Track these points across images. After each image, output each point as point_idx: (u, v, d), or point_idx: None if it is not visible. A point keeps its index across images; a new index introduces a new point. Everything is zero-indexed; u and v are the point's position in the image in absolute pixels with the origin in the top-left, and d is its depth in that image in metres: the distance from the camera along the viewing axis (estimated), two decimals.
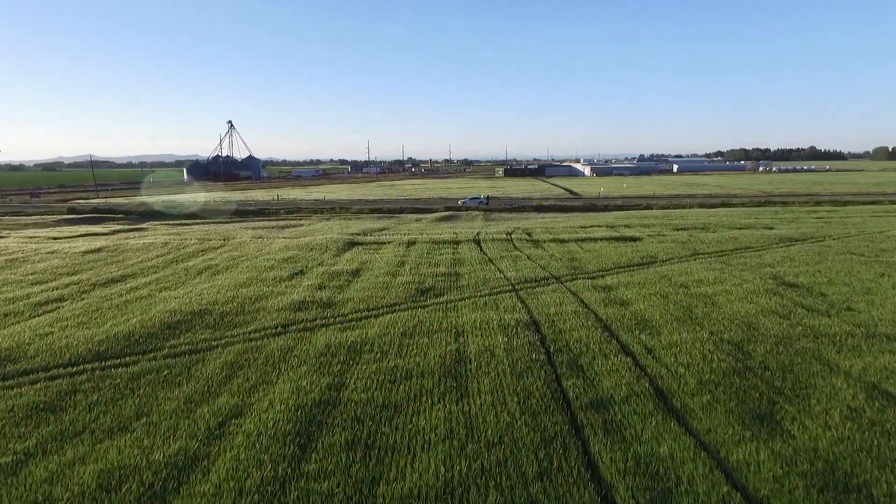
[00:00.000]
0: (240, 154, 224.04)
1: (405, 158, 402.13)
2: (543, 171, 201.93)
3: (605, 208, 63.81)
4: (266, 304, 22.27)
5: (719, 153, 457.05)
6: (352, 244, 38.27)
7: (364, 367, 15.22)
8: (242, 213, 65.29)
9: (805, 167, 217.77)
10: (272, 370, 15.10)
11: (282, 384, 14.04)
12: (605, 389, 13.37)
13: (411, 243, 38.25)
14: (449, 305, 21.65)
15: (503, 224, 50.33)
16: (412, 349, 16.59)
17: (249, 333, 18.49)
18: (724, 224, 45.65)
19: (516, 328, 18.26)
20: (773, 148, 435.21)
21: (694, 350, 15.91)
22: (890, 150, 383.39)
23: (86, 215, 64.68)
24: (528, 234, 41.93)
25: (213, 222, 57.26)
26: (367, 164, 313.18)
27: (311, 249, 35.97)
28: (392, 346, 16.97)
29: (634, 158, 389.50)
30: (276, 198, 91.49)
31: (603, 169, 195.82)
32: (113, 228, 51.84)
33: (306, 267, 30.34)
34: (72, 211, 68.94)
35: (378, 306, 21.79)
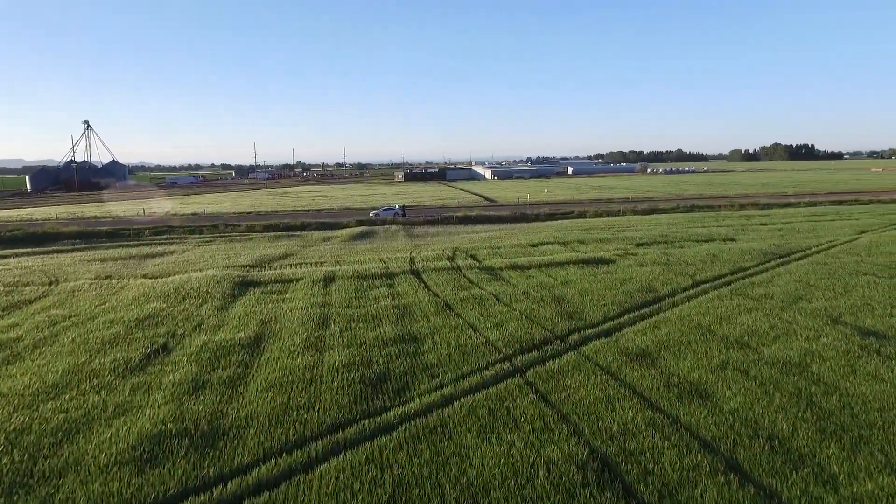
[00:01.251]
0: (101, 159, 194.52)
1: (295, 163, 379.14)
2: (444, 175, 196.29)
3: (537, 218, 57.56)
4: (84, 448, 11.76)
5: (599, 155, 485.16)
6: (245, 285, 27.57)
7: None
8: (91, 235, 50.48)
9: (686, 168, 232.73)
10: None
11: None
12: None
13: (329, 279, 28.39)
14: (429, 422, 12.59)
15: (434, 243, 41.74)
16: None
17: None
18: (682, 236, 40.70)
19: (588, 490, 9.72)
20: (646, 150, 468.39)
21: None
22: (743, 152, 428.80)
23: None
24: (475, 258, 33.72)
25: (46, 251, 42.56)
26: (253, 169, 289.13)
27: (184, 298, 24.89)
28: None
29: (524, 160, 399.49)
30: (141, 212, 75.46)
31: (503, 172, 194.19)
32: None
33: (173, 336, 19.61)
34: None
35: (304, 436, 12.20)
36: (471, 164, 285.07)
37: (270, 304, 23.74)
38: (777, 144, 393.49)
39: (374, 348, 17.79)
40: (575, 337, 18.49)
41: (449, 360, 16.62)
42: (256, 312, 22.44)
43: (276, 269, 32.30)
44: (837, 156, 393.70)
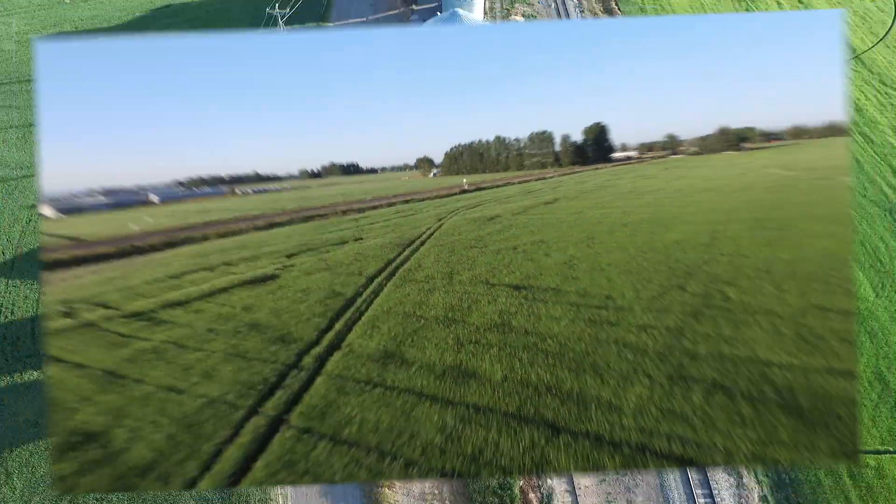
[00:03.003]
0: None
1: None
2: None
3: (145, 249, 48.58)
4: None
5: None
6: None
7: None
8: None
9: (273, 188, 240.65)
10: None
11: None
12: None
13: None
14: None
15: None
16: None
17: None
18: (321, 242, 42.00)
19: None
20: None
21: None
22: (310, 171, 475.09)
23: None
24: (107, 306, 26.03)
25: None
26: None
27: None
28: None
29: None
30: None
31: None
32: None
33: None
34: None
35: None
36: None
37: None
38: (333, 164, 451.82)
39: None
40: (308, 360, 16.66)
41: (174, 446, 12.35)
42: None
43: None
44: (375, 170, 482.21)
